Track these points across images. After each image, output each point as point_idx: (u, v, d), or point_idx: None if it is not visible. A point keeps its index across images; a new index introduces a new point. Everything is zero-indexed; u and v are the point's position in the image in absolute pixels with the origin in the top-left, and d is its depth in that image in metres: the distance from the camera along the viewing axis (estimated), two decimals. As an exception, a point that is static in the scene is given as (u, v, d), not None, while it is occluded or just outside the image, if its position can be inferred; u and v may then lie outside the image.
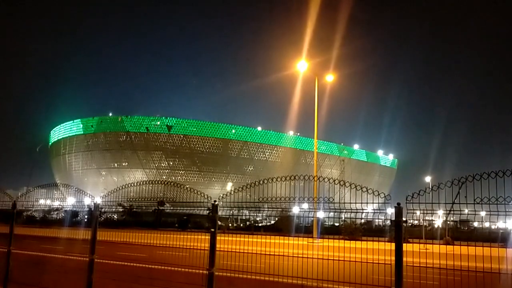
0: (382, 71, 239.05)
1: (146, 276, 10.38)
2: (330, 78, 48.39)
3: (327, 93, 62.27)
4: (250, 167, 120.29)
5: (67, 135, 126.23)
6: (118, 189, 10.39)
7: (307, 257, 8.35)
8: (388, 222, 7.49)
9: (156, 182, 10.99)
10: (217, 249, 8.32)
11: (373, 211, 8.31)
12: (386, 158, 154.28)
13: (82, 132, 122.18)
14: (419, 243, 9.12)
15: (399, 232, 6.68)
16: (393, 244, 6.70)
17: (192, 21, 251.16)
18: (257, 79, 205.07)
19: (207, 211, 8.65)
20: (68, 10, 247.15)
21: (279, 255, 8.51)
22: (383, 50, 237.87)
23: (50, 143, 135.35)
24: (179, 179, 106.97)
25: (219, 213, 8.58)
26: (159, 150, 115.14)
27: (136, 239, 11.02)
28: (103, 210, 12.23)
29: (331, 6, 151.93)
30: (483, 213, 6.64)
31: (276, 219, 52.22)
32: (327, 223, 43.17)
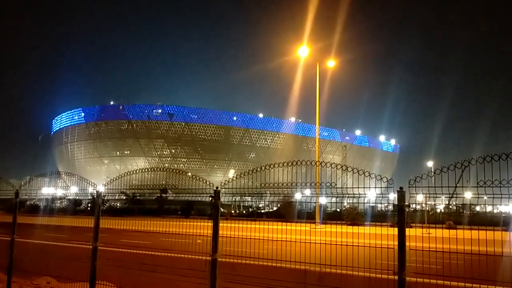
0: (383, 56, 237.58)
1: (150, 263, 10.43)
2: (331, 63, 48.22)
3: (329, 79, 62.10)
4: (252, 154, 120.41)
5: (69, 124, 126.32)
6: (120, 176, 10.39)
7: (310, 243, 8.37)
8: (390, 207, 7.48)
9: (159, 170, 10.99)
10: (220, 235, 8.33)
11: (375, 196, 8.30)
12: (388, 143, 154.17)
13: (84, 121, 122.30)
14: (422, 227, 9.14)
15: (402, 216, 6.67)
16: (396, 229, 6.70)
17: (191, 8, 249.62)
18: (258, 66, 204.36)
19: (210, 198, 8.65)
20: (69, 1, 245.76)
21: (281, 240, 8.53)
22: (385, 35, 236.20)
23: (52, 132, 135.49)
24: (181, 166, 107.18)
25: (222, 199, 8.58)
26: (161, 138, 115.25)
27: (139, 226, 11.06)
28: (105, 198, 12.24)
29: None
30: (485, 197, 6.62)
31: (279, 205, 52.42)
32: (329, 209, 43.30)
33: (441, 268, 7.04)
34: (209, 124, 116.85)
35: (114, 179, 10.48)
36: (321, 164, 8.24)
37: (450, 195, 6.92)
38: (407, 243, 6.60)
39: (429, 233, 7.72)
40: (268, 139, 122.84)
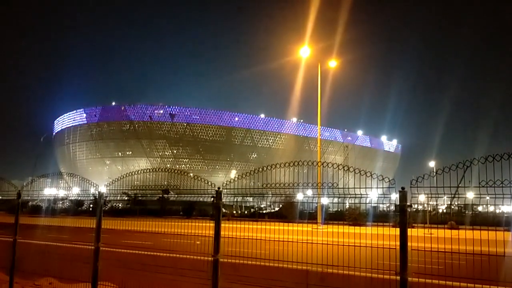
0: (385, 56, 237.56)
1: (152, 264, 10.44)
2: (333, 64, 48.21)
3: (330, 79, 62.12)
4: (254, 155, 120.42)
5: (70, 125, 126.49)
6: (122, 177, 10.39)
7: (312, 243, 8.36)
8: (392, 207, 7.47)
9: (160, 170, 10.97)
10: (221, 236, 8.33)
11: (377, 196, 8.30)
12: (390, 143, 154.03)
13: (86, 122, 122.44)
14: (424, 227, 9.14)
15: (403, 216, 6.66)
16: (398, 229, 6.69)
17: (193, 8, 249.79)
18: (260, 66, 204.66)
19: (211, 199, 8.65)
20: (71, 1, 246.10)
21: (283, 241, 8.52)
22: (386, 35, 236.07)
23: (54, 133, 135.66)
24: (183, 167, 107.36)
25: (223, 200, 8.57)
26: (163, 138, 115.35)
27: (141, 227, 11.07)
28: (107, 198, 12.23)
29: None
30: (487, 197, 6.61)
31: (281, 206, 52.42)
32: (331, 209, 43.25)
33: (443, 268, 7.03)
34: (211, 124, 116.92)
35: (116, 180, 10.48)
36: (322, 164, 8.23)
37: (452, 195, 6.91)
38: (409, 243, 6.58)
39: (431, 233, 7.71)
40: (270, 139, 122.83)
